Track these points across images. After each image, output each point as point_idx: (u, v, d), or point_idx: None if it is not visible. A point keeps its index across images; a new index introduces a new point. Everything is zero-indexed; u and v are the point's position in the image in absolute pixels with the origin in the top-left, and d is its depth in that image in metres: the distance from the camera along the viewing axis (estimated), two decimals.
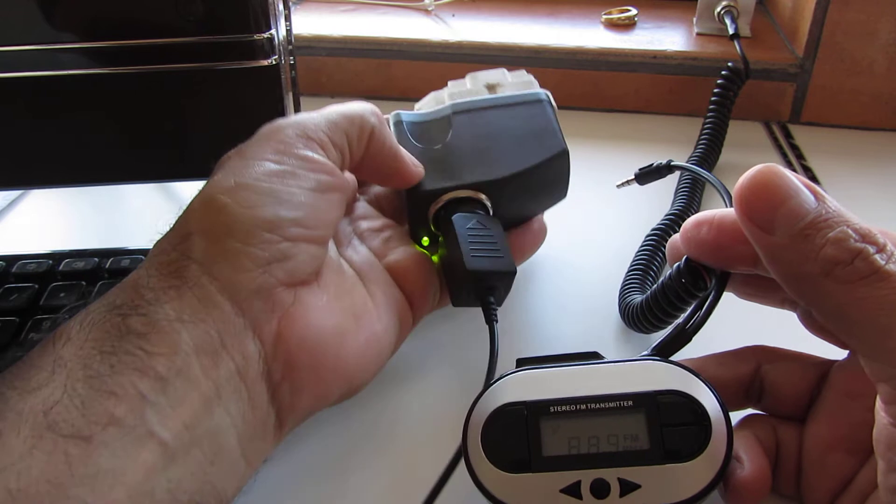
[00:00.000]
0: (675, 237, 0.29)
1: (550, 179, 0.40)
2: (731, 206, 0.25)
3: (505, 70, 0.43)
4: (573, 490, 0.25)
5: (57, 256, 0.40)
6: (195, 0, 0.35)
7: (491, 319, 0.33)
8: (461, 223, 0.34)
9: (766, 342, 0.31)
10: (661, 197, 0.51)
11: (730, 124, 0.56)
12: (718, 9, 0.64)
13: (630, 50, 0.63)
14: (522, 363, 0.29)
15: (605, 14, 0.69)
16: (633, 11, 0.68)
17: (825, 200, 0.24)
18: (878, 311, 0.22)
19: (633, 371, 0.27)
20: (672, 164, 0.30)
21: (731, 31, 0.61)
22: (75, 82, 0.37)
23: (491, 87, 0.42)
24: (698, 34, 0.66)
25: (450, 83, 0.43)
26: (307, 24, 0.68)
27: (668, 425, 0.26)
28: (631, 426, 0.26)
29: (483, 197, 0.36)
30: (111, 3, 0.36)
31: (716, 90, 0.57)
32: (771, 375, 0.29)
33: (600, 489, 0.25)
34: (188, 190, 0.53)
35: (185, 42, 0.36)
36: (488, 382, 0.28)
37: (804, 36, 0.61)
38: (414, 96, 0.68)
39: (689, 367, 0.27)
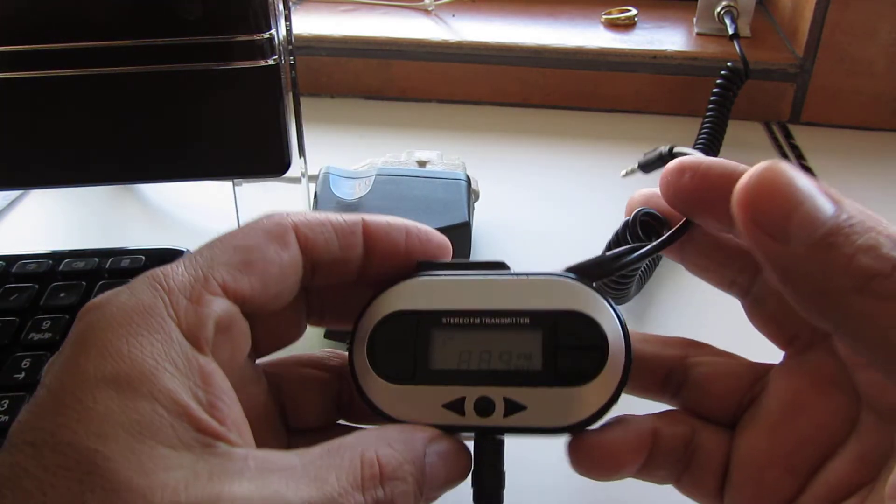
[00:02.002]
0: (636, 193, 0.27)
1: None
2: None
3: (440, 153, 0.48)
4: (456, 406, 0.24)
5: (57, 256, 0.40)
6: (195, 0, 0.35)
7: None
8: None
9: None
10: None
11: (730, 124, 0.57)
12: (718, 9, 0.64)
13: (630, 50, 0.63)
14: (423, 267, 0.26)
15: (605, 14, 0.69)
16: (633, 11, 0.68)
17: (843, 203, 0.20)
18: None
19: (536, 287, 0.25)
20: (674, 149, 0.29)
21: (731, 31, 0.61)
22: (75, 82, 0.37)
23: (421, 163, 0.47)
24: (698, 34, 0.66)
25: (388, 154, 0.48)
26: (307, 24, 0.68)
27: (564, 347, 0.24)
28: (525, 345, 0.24)
29: None
30: (111, 3, 0.36)
31: (715, 90, 0.57)
32: (700, 368, 0.26)
33: (484, 407, 0.24)
34: (188, 190, 0.53)
35: (185, 42, 0.36)
36: (379, 287, 0.26)
37: (804, 36, 0.61)
38: (414, 96, 0.69)
39: (594, 286, 0.25)
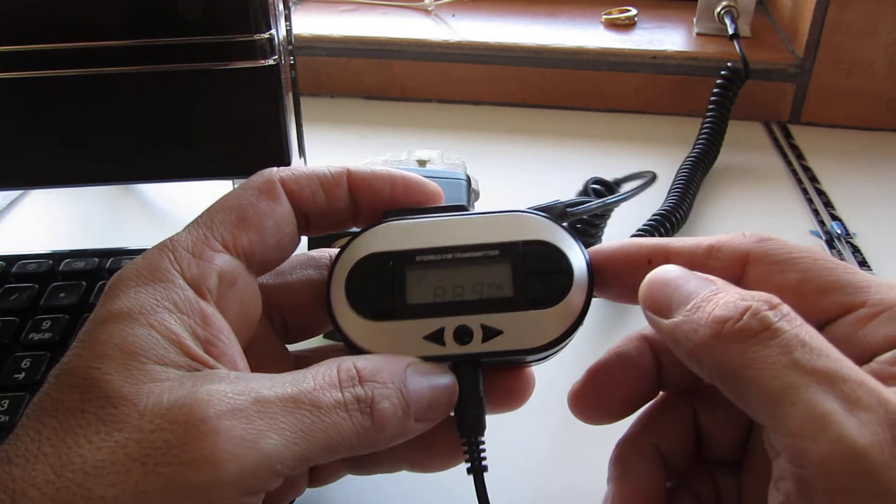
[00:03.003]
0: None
1: None
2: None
3: (440, 152, 0.48)
4: (436, 336, 0.26)
5: (57, 256, 0.40)
6: (195, 0, 0.35)
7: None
8: None
9: None
10: (654, 199, 0.51)
11: (730, 124, 0.57)
12: (718, 9, 0.64)
13: (630, 50, 0.63)
14: (390, 215, 0.28)
15: (605, 14, 0.69)
16: (633, 11, 0.68)
17: (715, 280, 0.24)
18: (770, 372, 0.20)
19: (501, 221, 0.27)
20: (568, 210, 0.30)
21: (730, 31, 0.61)
22: (75, 82, 0.37)
23: (421, 163, 0.47)
24: (698, 34, 0.66)
25: (388, 154, 0.47)
26: (307, 24, 0.68)
27: (531, 273, 0.26)
28: (496, 275, 0.26)
29: None
30: (111, 3, 0.36)
31: (715, 90, 0.57)
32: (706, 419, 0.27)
33: (463, 335, 0.26)
34: (188, 190, 0.53)
35: (185, 42, 0.36)
36: (354, 233, 0.28)
37: (804, 36, 0.61)
38: (414, 96, 0.69)
39: (554, 218, 0.27)
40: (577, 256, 0.26)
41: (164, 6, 0.35)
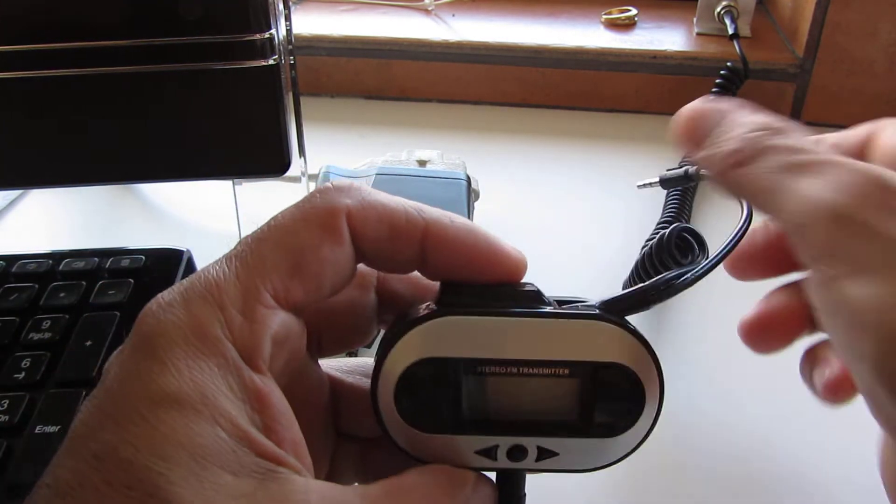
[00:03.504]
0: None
1: None
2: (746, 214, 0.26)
3: (441, 153, 0.48)
4: (489, 452, 0.24)
5: (57, 256, 0.40)
6: (195, 0, 0.35)
7: None
8: None
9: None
10: (653, 199, 0.51)
11: None
12: (718, 9, 0.64)
13: (630, 50, 0.63)
14: (447, 293, 0.24)
15: (605, 14, 0.69)
16: (633, 11, 0.68)
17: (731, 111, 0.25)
18: (765, 177, 0.22)
19: (576, 331, 0.24)
20: (703, 172, 0.28)
21: (730, 31, 0.61)
22: (75, 82, 0.37)
23: (421, 163, 0.47)
24: (698, 34, 0.66)
25: (388, 154, 0.48)
26: (307, 24, 0.68)
27: (601, 401, 0.24)
28: (561, 396, 0.24)
29: None
30: (111, 3, 0.36)
31: (714, 90, 0.57)
32: None
33: (517, 455, 0.24)
34: (188, 190, 0.53)
35: (185, 42, 0.36)
36: (404, 322, 0.24)
37: (804, 36, 0.61)
38: (414, 96, 0.69)
39: (638, 332, 0.24)
40: (653, 381, 0.24)
41: (164, 6, 0.35)
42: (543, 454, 0.24)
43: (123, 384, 0.20)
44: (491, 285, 0.24)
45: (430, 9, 0.70)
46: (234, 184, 0.44)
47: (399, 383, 0.24)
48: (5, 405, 0.32)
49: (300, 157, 0.43)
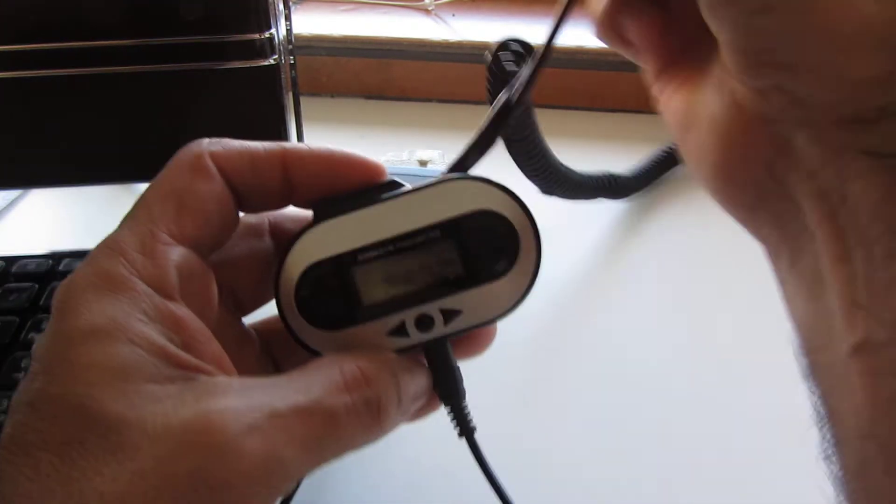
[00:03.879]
0: None
1: None
2: None
3: (441, 152, 0.48)
4: (399, 330, 0.26)
5: (57, 256, 0.40)
6: (195, 0, 0.35)
7: None
8: None
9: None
10: (653, 199, 0.51)
11: None
12: None
13: None
14: (318, 209, 0.26)
15: None
16: None
17: None
18: None
19: (435, 196, 0.26)
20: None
21: None
22: (75, 82, 0.37)
23: (422, 163, 0.47)
24: None
25: (389, 154, 0.47)
26: (307, 24, 0.68)
27: (478, 247, 0.26)
28: (443, 256, 0.26)
29: None
30: (112, 3, 0.36)
31: None
32: None
33: (425, 323, 0.26)
34: None
35: (186, 42, 0.36)
36: (287, 242, 0.26)
37: None
38: (414, 96, 0.69)
39: (489, 179, 0.26)
40: (517, 215, 0.26)
41: (165, 6, 0.35)
42: (449, 316, 0.26)
43: (47, 346, 0.21)
44: (355, 191, 0.27)
45: (430, 9, 0.70)
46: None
47: (297, 294, 0.26)
48: (5, 405, 0.32)
49: None
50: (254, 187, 0.26)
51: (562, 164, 0.42)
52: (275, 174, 0.26)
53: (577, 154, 0.60)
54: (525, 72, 0.27)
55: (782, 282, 0.23)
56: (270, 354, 0.28)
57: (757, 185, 0.22)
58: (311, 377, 0.23)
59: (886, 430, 0.19)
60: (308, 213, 0.27)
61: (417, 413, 0.27)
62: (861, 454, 0.20)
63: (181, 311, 0.23)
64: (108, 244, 0.23)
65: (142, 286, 0.22)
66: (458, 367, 0.27)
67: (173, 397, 0.21)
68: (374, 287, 0.26)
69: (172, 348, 0.22)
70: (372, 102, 0.68)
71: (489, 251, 0.26)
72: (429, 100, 0.68)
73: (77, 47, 0.36)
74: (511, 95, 0.27)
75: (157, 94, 0.38)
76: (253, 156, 0.26)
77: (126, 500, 0.19)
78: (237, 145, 0.26)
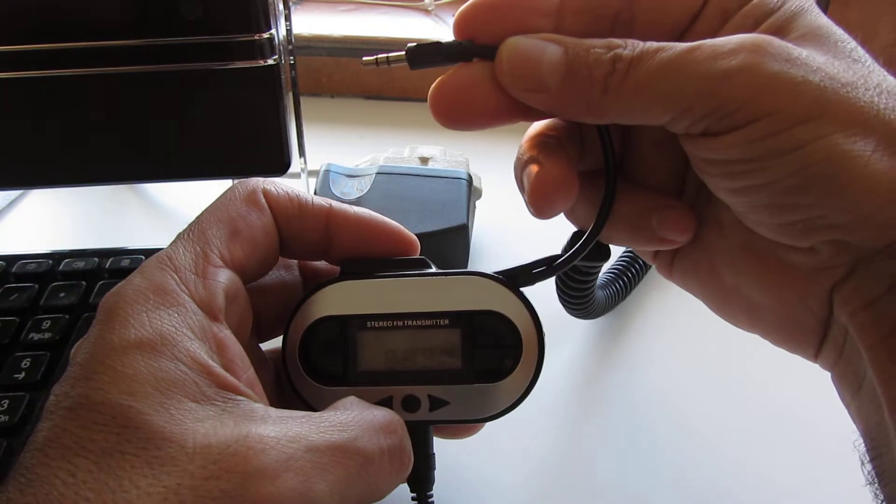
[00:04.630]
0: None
1: (447, 250, 0.42)
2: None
3: (443, 149, 0.48)
4: (385, 403, 0.26)
5: (57, 256, 0.40)
6: (195, 0, 0.35)
7: None
8: None
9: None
10: None
11: None
12: None
13: None
14: (346, 267, 0.28)
15: None
16: None
17: (565, 40, 0.24)
18: (658, 79, 0.22)
19: (455, 286, 0.27)
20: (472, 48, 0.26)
21: None
22: (76, 82, 0.37)
23: (423, 160, 0.46)
24: None
25: (390, 150, 0.47)
26: (307, 24, 0.68)
27: (481, 346, 0.26)
28: (445, 345, 0.26)
29: None
30: (112, 3, 0.36)
31: None
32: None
33: (411, 405, 0.26)
34: (188, 189, 0.53)
35: (186, 42, 0.36)
36: (308, 290, 0.28)
37: None
38: (414, 96, 0.69)
39: (510, 284, 0.26)
40: (528, 327, 0.26)
41: (165, 6, 0.35)
42: (435, 403, 0.26)
43: (90, 351, 0.22)
44: (385, 259, 0.28)
45: (430, 9, 0.70)
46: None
47: (302, 341, 0.27)
48: (5, 405, 0.32)
49: (300, 156, 0.43)
50: (297, 232, 0.27)
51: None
52: (318, 225, 0.27)
53: None
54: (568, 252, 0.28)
55: (848, 405, 0.24)
56: (280, 384, 0.29)
57: (821, 325, 0.24)
58: (345, 417, 0.23)
59: None
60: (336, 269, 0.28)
61: None
62: None
63: (224, 332, 0.23)
64: (162, 258, 0.24)
65: (191, 304, 0.23)
66: (434, 455, 0.27)
67: (213, 418, 0.21)
68: (373, 355, 0.27)
69: (215, 367, 0.22)
70: (372, 102, 0.68)
71: (490, 353, 0.26)
72: None
73: (77, 47, 0.36)
74: (556, 264, 0.27)
75: (157, 94, 0.38)
76: (301, 203, 0.27)
77: None
78: (289, 189, 0.27)
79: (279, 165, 0.40)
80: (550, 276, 0.27)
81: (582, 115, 0.24)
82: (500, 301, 0.26)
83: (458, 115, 0.26)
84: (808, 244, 0.23)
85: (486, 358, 0.26)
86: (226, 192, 0.26)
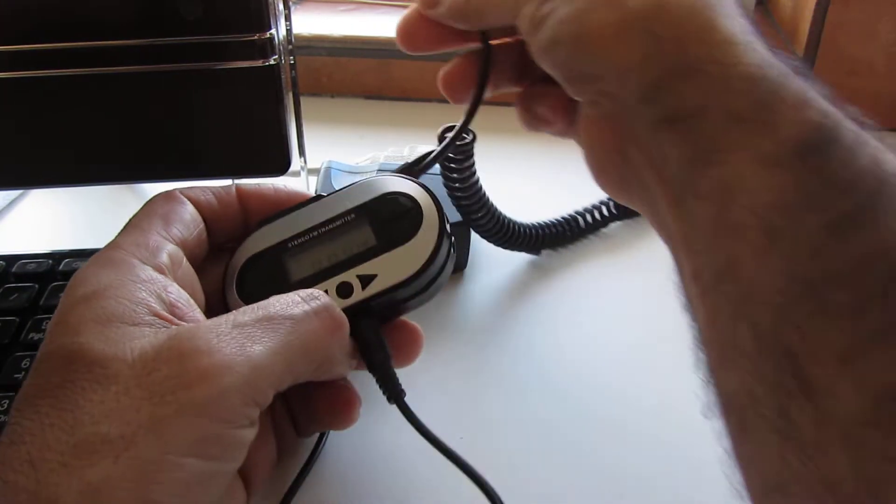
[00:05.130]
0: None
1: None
2: None
3: None
4: None
5: (57, 256, 0.40)
6: (195, 0, 0.35)
7: None
8: None
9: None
10: None
11: None
12: None
13: None
14: (262, 223, 0.32)
15: None
16: None
17: None
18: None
19: (353, 190, 0.32)
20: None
21: None
22: (75, 82, 0.37)
23: None
24: None
25: (390, 149, 0.49)
26: (307, 24, 0.68)
27: (387, 220, 0.30)
28: (358, 232, 0.30)
29: None
30: (111, 3, 0.36)
31: None
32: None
33: (344, 290, 0.29)
34: None
35: (186, 42, 0.36)
36: (234, 246, 0.32)
37: (804, 36, 0.60)
38: (414, 96, 0.69)
39: (396, 173, 0.32)
40: (422, 194, 0.31)
41: (165, 6, 0.35)
42: (365, 280, 0.29)
43: (53, 318, 0.25)
44: (290, 207, 0.32)
45: None
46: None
47: (238, 281, 0.31)
48: (5, 405, 0.32)
49: (300, 157, 0.43)
50: (219, 213, 0.32)
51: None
52: (232, 200, 0.32)
53: (578, 152, 0.60)
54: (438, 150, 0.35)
55: (661, 237, 0.28)
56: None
57: (618, 170, 0.28)
58: (268, 302, 0.26)
59: (716, 335, 0.23)
60: None
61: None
62: (704, 357, 0.24)
63: (168, 281, 0.27)
64: (108, 245, 0.28)
65: (136, 262, 0.26)
66: (384, 340, 0.30)
67: (150, 336, 0.24)
68: (301, 267, 0.30)
69: (156, 304, 0.25)
70: (372, 102, 0.68)
71: (395, 221, 0.30)
72: (429, 100, 0.68)
73: (77, 47, 0.36)
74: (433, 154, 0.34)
75: (156, 94, 0.38)
76: (213, 191, 0.32)
77: (113, 414, 0.22)
78: (200, 186, 0.32)
79: (279, 165, 0.40)
80: (431, 165, 0.33)
81: (460, 21, 0.31)
82: (390, 185, 0.31)
83: (409, 41, 0.33)
84: (584, 97, 0.28)
85: (395, 227, 0.30)
86: (146, 202, 0.30)
